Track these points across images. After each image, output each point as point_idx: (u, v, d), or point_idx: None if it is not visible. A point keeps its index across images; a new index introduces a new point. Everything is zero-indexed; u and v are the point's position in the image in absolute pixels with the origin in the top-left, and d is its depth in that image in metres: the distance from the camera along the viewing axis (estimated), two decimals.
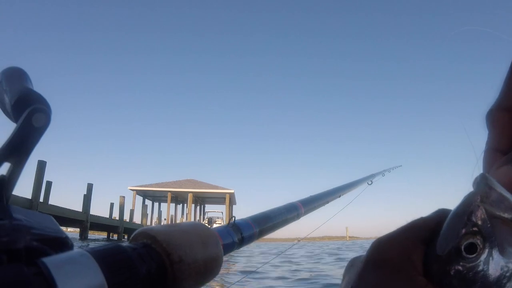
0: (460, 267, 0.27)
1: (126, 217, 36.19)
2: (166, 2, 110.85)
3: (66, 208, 23.65)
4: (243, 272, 7.42)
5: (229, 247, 0.61)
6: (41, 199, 20.03)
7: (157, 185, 49.63)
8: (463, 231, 0.27)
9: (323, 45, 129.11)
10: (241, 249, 0.68)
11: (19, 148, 0.38)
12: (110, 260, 0.31)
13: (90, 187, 27.67)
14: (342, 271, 0.35)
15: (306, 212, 0.99)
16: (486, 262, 0.27)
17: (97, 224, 30.07)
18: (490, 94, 0.36)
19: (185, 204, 53.85)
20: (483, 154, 0.35)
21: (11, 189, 0.39)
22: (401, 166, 2.76)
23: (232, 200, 52.77)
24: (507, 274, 0.27)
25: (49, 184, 21.99)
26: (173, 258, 0.34)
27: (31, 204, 18.32)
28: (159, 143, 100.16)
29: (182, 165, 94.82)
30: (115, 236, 35.41)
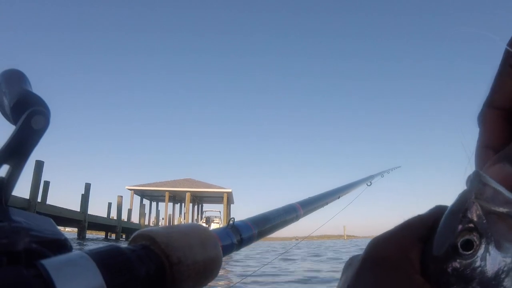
0: (457, 265, 0.27)
1: (124, 217, 36.15)
2: (165, 2, 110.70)
3: (64, 208, 23.62)
4: (243, 272, 7.41)
5: (228, 249, 0.61)
6: (39, 199, 20.01)
7: (154, 184, 49.58)
8: (459, 228, 0.27)
9: (322, 45, 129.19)
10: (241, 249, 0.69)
11: (18, 150, 0.38)
12: (109, 262, 0.31)
13: (88, 187, 27.64)
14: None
15: (305, 214, 1.00)
16: (483, 258, 0.27)
17: (95, 223, 30.02)
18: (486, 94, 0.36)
19: (183, 204, 53.81)
20: (475, 152, 0.35)
21: (10, 191, 0.39)
22: (400, 167, 2.75)
23: (230, 199, 52.74)
24: (505, 269, 0.27)
25: (47, 184, 21.95)
26: (172, 259, 0.34)
27: (29, 204, 18.30)
28: (157, 142, 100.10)
29: (180, 165, 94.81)
30: (113, 236, 35.36)
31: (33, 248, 0.33)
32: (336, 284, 0.35)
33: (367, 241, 0.32)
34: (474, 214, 0.27)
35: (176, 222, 49.97)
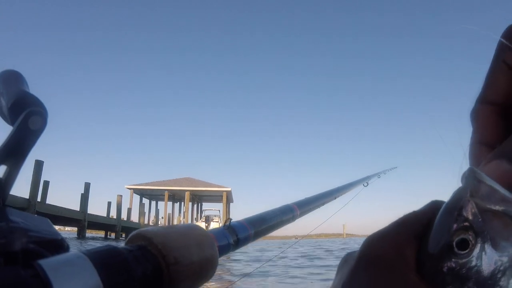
0: (452, 264, 0.27)
1: (124, 216, 36.19)
2: (163, 2, 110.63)
3: (63, 207, 23.64)
4: (244, 272, 7.42)
5: (225, 249, 0.61)
6: (39, 199, 20.03)
7: (154, 183, 49.59)
8: (454, 227, 0.27)
9: (321, 45, 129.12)
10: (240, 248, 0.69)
11: (15, 151, 0.39)
12: (106, 262, 0.31)
13: (87, 186, 27.67)
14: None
15: (301, 214, 1.00)
16: (479, 257, 0.26)
17: (95, 223, 30.06)
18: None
19: (182, 203, 53.81)
20: (468, 148, 0.35)
21: (8, 191, 0.39)
22: (396, 168, 2.75)
23: (229, 198, 52.76)
24: (501, 268, 0.26)
25: (46, 183, 21.97)
26: (169, 260, 0.35)
27: (29, 203, 18.32)
28: (156, 141, 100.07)
29: (179, 164, 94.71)
30: (113, 235, 35.40)
31: (31, 248, 0.33)
32: (331, 281, 0.34)
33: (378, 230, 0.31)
34: (469, 212, 0.27)
35: (175, 221, 50.06)
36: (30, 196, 18.77)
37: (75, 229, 28.51)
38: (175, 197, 53.38)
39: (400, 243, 0.29)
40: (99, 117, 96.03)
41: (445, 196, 0.30)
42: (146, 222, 42.91)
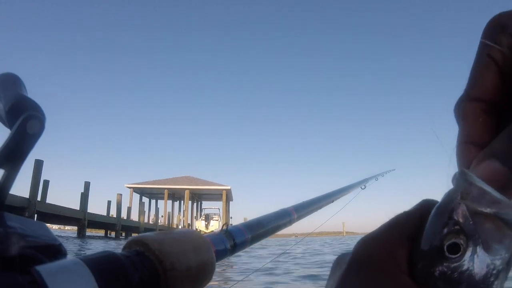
0: (444, 268, 0.26)
1: (124, 215, 36.19)
2: (161, 1, 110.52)
3: (63, 207, 23.67)
4: (244, 271, 7.42)
5: (222, 254, 0.61)
6: (39, 198, 20.03)
7: (154, 182, 49.66)
8: (445, 231, 0.26)
9: (321, 45, 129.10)
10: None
11: (13, 155, 0.39)
12: (103, 268, 0.31)
13: (87, 185, 27.68)
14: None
15: (298, 218, 1.00)
16: (471, 261, 0.26)
17: (95, 222, 30.07)
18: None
19: (182, 201, 53.87)
20: (455, 149, 0.33)
21: (5, 196, 0.39)
22: (394, 170, 2.75)
23: (229, 197, 52.83)
24: (494, 272, 0.26)
25: (46, 183, 21.99)
26: (166, 265, 0.35)
27: (29, 203, 18.32)
28: (156, 140, 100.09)
29: (179, 162, 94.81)
30: (113, 234, 35.43)
31: (28, 253, 0.33)
32: (325, 283, 0.34)
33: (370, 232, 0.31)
34: (460, 215, 0.26)
35: (175, 220, 50.11)
36: (30, 195, 18.76)
37: (75, 228, 28.52)
38: (175, 195, 53.42)
39: (392, 245, 0.28)
40: (99, 117, 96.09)
41: (440, 194, 0.29)
42: (146, 221, 42.93)
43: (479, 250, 0.26)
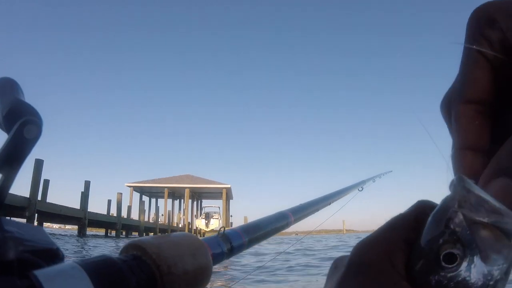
0: (440, 278, 0.25)
1: (124, 214, 36.19)
2: (159, 1, 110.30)
3: (64, 206, 23.66)
4: (246, 270, 7.42)
5: (219, 257, 0.61)
6: (39, 197, 20.02)
7: (153, 181, 49.68)
8: (441, 240, 0.26)
9: (319, 46, 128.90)
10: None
11: (10, 159, 0.39)
12: (101, 272, 0.32)
13: (87, 185, 27.67)
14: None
15: (296, 221, 1.00)
16: (468, 270, 0.25)
17: (95, 221, 30.06)
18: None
19: (182, 200, 53.88)
20: (452, 154, 0.32)
21: (3, 199, 0.40)
22: (391, 171, 2.73)
23: (229, 195, 52.83)
24: (491, 282, 0.25)
25: (46, 182, 21.99)
26: (163, 269, 0.35)
27: (29, 202, 18.31)
28: (155, 139, 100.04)
29: (179, 161, 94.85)
30: (113, 233, 35.42)
31: (26, 258, 0.33)
32: (323, 282, 0.34)
33: (367, 235, 0.30)
34: (457, 224, 0.25)
35: (175, 218, 50.11)
36: (30, 195, 18.74)
37: (76, 227, 28.51)
38: (175, 194, 53.42)
39: (390, 249, 0.28)
40: (99, 116, 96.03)
41: (439, 194, 0.29)
42: (146, 219, 42.91)
43: (477, 260, 0.25)
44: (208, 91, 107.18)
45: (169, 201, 52.14)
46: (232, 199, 58.04)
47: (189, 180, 49.88)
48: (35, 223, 20.68)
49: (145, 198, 52.13)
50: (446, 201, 0.27)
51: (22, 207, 17.70)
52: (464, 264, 0.25)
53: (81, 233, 26.46)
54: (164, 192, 49.11)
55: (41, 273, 0.30)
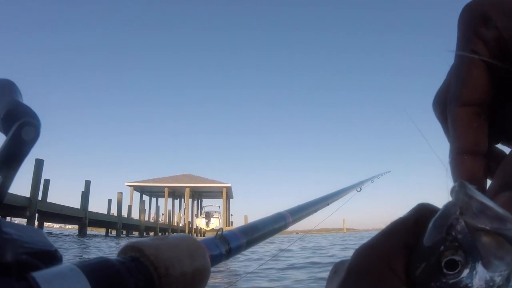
0: (442, 285, 0.25)
1: (124, 213, 36.20)
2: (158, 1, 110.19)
3: (64, 205, 23.67)
4: (244, 269, 7.41)
5: (217, 259, 0.61)
6: (40, 197, 20.03)
7: (154, 180, 49.70)
8: (442, 247, 0.25)
9: (319, 45, 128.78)
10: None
11: (8, 161, 0.39)
12: (98, 274, 0.32)
13: (88, 184, 27.68)
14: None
15: (294, 222, 1.00)
16: (470, 277, 0.25)
17: (96, 220, 30.10)
18: None
19: (183, 199, 53.90)
20: (451, 160, 0.32)
21: (1, 201, 0.40)
22: (390, 172, 2.72)
23: (229, 194, 52.84)
24: None
25: (47, 182, 21.99)
26: (161, 271, 0.35)
27: (30, 202, 18.32)
28: (155, 139, 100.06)
29: (179, 160, 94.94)
30: (114, 232, 35.44)
31: (24, 259, 0.33)
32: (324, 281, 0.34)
33: (367, 234, 0.30)
34: (459, 231, 0.25)
35: (176, 218, 50.12)
36: (31, 194, 18.75)
37: (76, 226, 28.53)
38: (175, 193, 53.45)
39: (390, 254, 0.27)
40: (99, 116, 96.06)
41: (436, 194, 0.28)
42: (146, 219, 42.92)
43: (478, 266, 0.25)
44: (208, 91, 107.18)
45: (170, 200, 52.19)
46: (232, 198, 58.08)
47: (189, 180, 49.91)
48: (36, 223, 20.74)
49: (146, 198, 52.20)
50: (448, 207, 0.26)
51: (23, 207, 17.70)
52: (466, 271, 0.25)
53: (82, 233, 26.49)
54: (164, 192, 49.12)
55: (39, 275, 0.30)
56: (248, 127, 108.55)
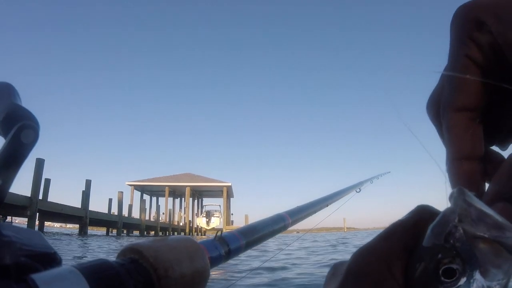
0: None
1: (125, 212, 36.20)
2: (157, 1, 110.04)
3: (65, 205, 23.68)
4: (245, 268, 7.41)
5: (216, 260, 0.61)
6: (40, 197, 20.04)
7: (154, 179, 49.71)
8: (440, 255, 0.25)
9: (320, 45, 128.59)
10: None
11: (8, 164, 0.39)
12: (98, 276, 0.32)
13: (88, 184, 27.67)
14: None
15: (293, 223, 1.00)
16: (467, 285, 0.25)
17: (96, 220, 30.11)
18: None
19: (183, 198, 53.92)
20: (447, 166, 0.32)
21: (0, 203, 0.40)
22: (389, 172, 2.71)
23: (229, 193, 52.85)
24: None
25: (47, 181, 22.02)
26: (160, 273, 0.35)
27: (31, 201, 18.33)
28: (156, 138, 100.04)
29: (179, 160, 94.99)
30: (114, 232, 35.45)
31: (23, 262, 0.33)
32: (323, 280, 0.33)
33: (367, 233, 0.29)
34: (457, 239, 0.25)
35: (176, 217, 50.09)
36: (31, 194, 18.76)
37: (77, 226, 28.54)
38: (176, 193, 53.49)
39: (389, 258, 0.27)
40: (99, 115, 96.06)
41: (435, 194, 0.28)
42: (147, 218, 42.91)
43: (476, 274, 0.25)
44: (209, 90, 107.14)
45: (170, 199, 52.22)
46: (232, 197, 58.12)
47: (189, 179, 49.93)
48: (37, 222, 20.75)
49: (146, 197, 52.22)
50: (446, 215, 0.26)
51: (24, 206, 17.70)
52: (463, 279, 0.25)
53: (82, 232, 26.50)
54: (165, 191, 49.15)
55: (39, 277, 0.30)
56: (248, 126, 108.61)
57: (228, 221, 49.93)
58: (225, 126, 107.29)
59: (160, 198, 55.15)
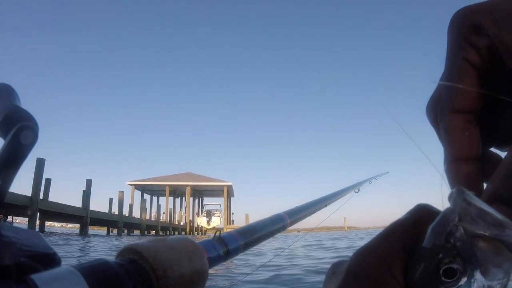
0: None
1: (125, 212, 36.22)
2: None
3: (66, 205, 23.69)
4: (246, 268, 7.41)
5: (215, 261, 0.61)
6: (41, 196, 20.06)
7: (155, 179, 49.72)
8: (441, 255, 0.25)
9: (320, 45, 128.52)
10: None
11: (7, 165, 0.39)
12: (97, 276, 0.32)
13: (89, 183, 27.69)
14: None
15: (292, 223, 1.00)
16: (467, 285, 0.25)
17: (97, 219, 30.15)
18: None
19: (184, 198, 53.95)
20: (445, 168, 0.32)
21: (0, 204, 0.40)
22: (388, 172, 2.71)
23: (230, 193, 52.88)
24: None
25: (48, 181, 22.07)
26: (159, 273, 0.35)
27: (31, 201, 18.35)
28: (156, 137, 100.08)
29: (180, 159, 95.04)
30: (115, 231, 35.49)
31: (23, 262, 0.33)
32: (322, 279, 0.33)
33: (368, 232, 0.29)
34: (458, 239, 0.25)
35: (177, 216, 50.09)
36: (32, 194, 18.78)
37: (78, 225, 28.56)
38: (176, 192, 53.53)
39: (388, 258, 0.27)
40: (100, 115, 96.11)
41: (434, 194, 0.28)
42: (148, 217, 42.93)
43: (477, 274, 0.25)
44: (210, 89, 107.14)
45: (171, 199, 52.28)
46: (233, 196, 58.13)
47: (190, 178, 49.96)
48: (37, 222, 20.75)
49: (147, 196, 52.26)
50: (446, 214, 0.26)
51: (24, 206, 17.71)
52: (464, 279, 0.25)
53: (83, 232, 26.51)
54: (165, 190, 49.20)
55: (38, 277, 0.30)
56: (248, 126, 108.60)
57: (229, 221, 49.95)
58: (226, 125, 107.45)
59: (160, 198, 55.20)
